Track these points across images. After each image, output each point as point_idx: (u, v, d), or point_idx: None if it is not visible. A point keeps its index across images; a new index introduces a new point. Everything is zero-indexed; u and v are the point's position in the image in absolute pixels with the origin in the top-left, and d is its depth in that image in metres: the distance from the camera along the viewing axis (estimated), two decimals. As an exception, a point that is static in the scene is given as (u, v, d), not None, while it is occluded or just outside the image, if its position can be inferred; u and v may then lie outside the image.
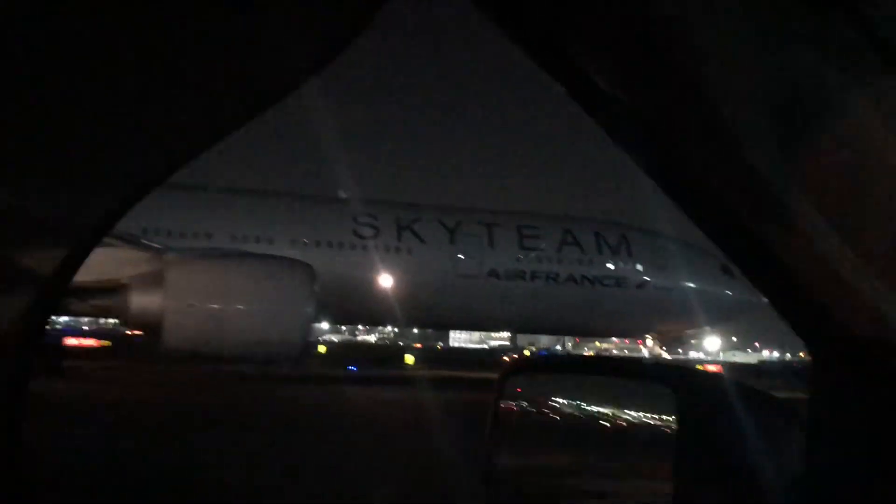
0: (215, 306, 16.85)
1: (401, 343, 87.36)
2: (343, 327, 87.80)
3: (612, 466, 1.59)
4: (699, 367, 31.76)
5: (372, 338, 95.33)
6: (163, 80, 0.93)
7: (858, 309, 1.00)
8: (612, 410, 1.58)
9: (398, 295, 20.89)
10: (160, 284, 16.45)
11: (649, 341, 25.21)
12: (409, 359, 27.42)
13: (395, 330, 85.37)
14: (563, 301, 22.52)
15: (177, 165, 1.06)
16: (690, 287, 23.57)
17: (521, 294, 22.20)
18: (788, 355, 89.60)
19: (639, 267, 23.16)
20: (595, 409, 1.61)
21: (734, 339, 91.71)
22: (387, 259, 21.29)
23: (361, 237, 21.17)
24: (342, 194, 21.79)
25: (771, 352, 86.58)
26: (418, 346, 77.03)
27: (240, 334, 16.79)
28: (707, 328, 26.73)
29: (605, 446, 1.60)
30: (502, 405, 1.67)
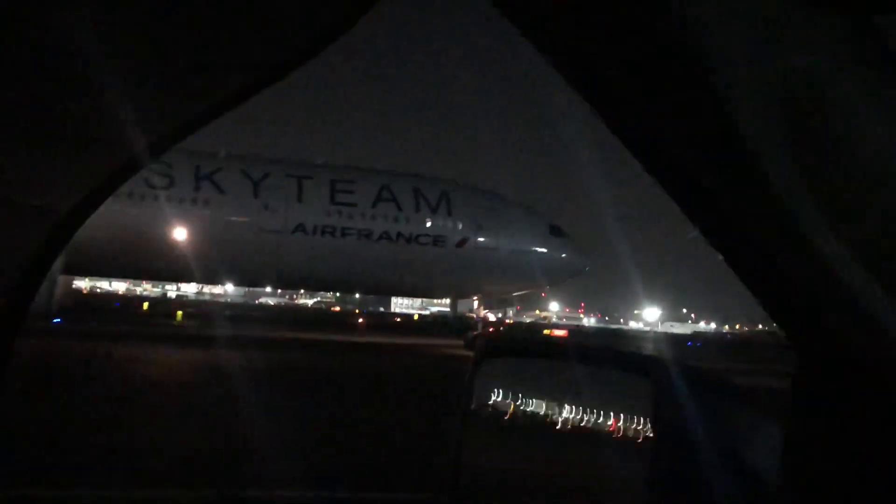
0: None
1: (337, 308, 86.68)
2: (279, 291, 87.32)
3: (582, 467, 1.55)
4: (547, 332, 31.13)
5: (310, 301, 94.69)
6: (162, 61, 0.98)
7: (856, 315, 1.01)
8: (583, 410, 1.54)
9: (192, 250, 19.90)
10: None
11: (475, 303, 24.45)
12: (179, 315, 26.81)
13: (337, 295, 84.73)
14: (377, 259, 21.65)
15: (172, 143, 1.11)
16: (516, 247, 22.76)
17: (330, 251, 21.30)
18: (727, 327, 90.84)
19: (459, 225, 22.30)
20: (565, 408, 1.58)
21: (685, 310, 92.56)
22: (181, 211, 20.28)
23: (153, 187, 20.07)
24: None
25: (708, 323, 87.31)
26: (336, 308, 76.38)
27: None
28: (535, 290, 26.00)
29: (576, 447, 1.55)
30: (474, 395, 1.63)
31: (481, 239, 22.46)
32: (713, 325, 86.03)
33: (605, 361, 1.66)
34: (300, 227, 21.12)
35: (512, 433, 1.66)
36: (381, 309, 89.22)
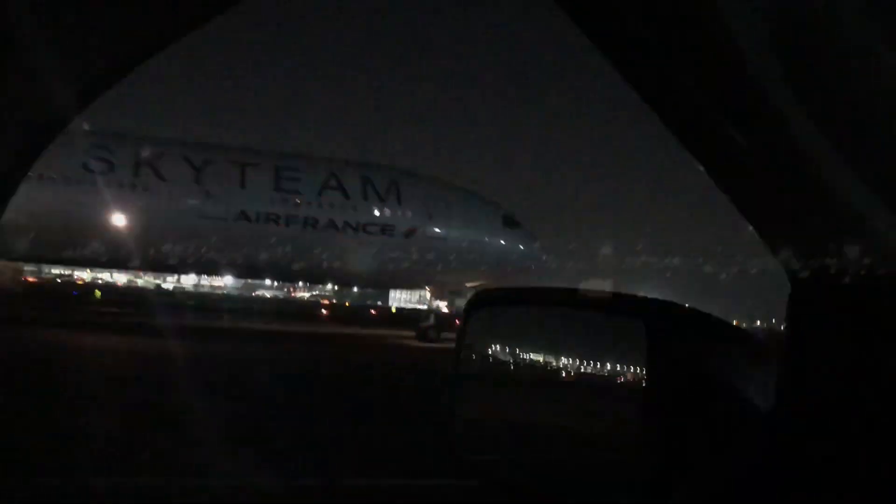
0: None
1: (333, 300, 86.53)
2: (275, 283, 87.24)
3: (576, 415, 1.55)
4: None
5: (306, 295, 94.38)
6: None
7: (858, 237, 1.00)
8: (575, 357, 1.54)
9: (130, 236, 19.57)
10: None
11: (427, 294, 23.98)
12: (97, 293, 27.13)
13: (335, 289, 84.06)
14: (323, 248, 21.21)
15: (113, 80, 1.09)
16: (467, 237, 22.26)
17: (274, 239, 20.88)
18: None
19: (408, 214, 21.82)
20: (557, 357, 1.57)
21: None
22: (120, 196, 19.91)
23: (91, 171, 19.72)
24: (81, 125, 20.23)
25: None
26: (326, 301, 75.99)
27: None
28: (489, 281, 25.49)
29: (569, 395, 1.55)
30: (465, 347, 1.65)
31: (431, 228, 21.99)
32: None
33: (597, 305, 1.62)
34: (243, 215, 20.73)
35: (505, 382, 1.65)
36: (379, 303, 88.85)
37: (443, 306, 23.54)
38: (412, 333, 24.53)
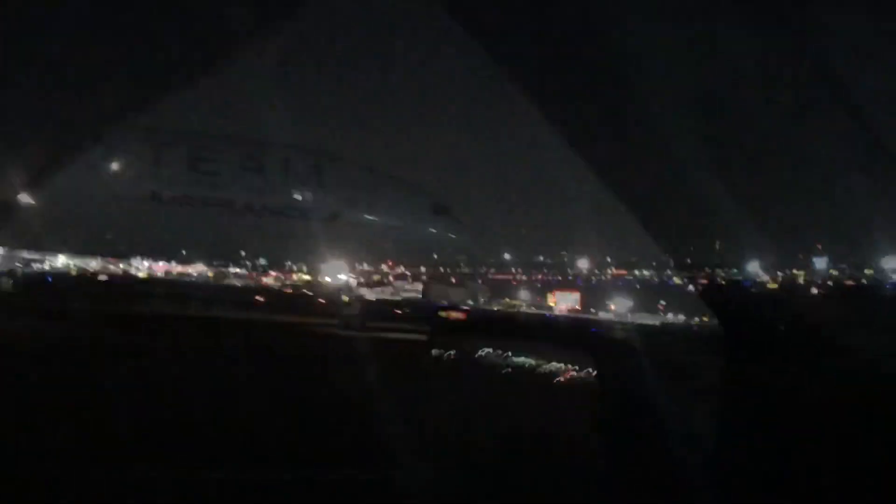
0: None
1: (303, 289, 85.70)
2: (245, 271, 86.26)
3: (539, 413, 1.78)
4: (443, 313, 30.02)
5: (277, 284, 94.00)
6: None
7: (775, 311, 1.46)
8: (534, 360, 1.81)
9: (34, 217, 18.70)
10: None
11: (350, 279, 23.29)
12: (10, 280, 26.17)
13: (306, 276, 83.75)
14: (240, 231, 20.50)
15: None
16: (393, 223, 21.58)
17: (188, 221, 20.12)
18: (696, 319, 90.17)
19: (331, 199, 21.10)
20: (520, 359, 1.84)
21: (663, 303, 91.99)
22: (23, 174, 19.06)
23: (-8, 148, 18.87)
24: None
25: (676, 315, 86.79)
26: (289, 290, 75.34)
27: None
28: (414, 268, 24.86)
29: (529, 393, 1.80)
30: (433, 356, 2.03)
31: (355, 213, 21.29)
32: (681, 317, 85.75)
33: (551, 337, 2.04)
34: (155, 195, 19.93)
35: (467, 388, 1.92)
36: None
37: (368, 294, 22.84)
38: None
